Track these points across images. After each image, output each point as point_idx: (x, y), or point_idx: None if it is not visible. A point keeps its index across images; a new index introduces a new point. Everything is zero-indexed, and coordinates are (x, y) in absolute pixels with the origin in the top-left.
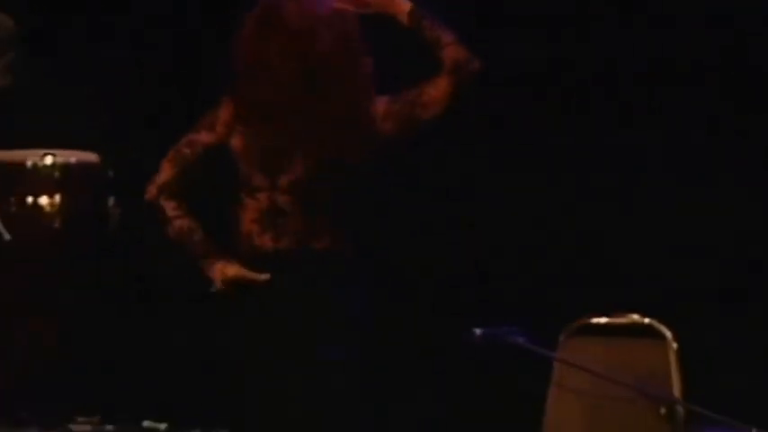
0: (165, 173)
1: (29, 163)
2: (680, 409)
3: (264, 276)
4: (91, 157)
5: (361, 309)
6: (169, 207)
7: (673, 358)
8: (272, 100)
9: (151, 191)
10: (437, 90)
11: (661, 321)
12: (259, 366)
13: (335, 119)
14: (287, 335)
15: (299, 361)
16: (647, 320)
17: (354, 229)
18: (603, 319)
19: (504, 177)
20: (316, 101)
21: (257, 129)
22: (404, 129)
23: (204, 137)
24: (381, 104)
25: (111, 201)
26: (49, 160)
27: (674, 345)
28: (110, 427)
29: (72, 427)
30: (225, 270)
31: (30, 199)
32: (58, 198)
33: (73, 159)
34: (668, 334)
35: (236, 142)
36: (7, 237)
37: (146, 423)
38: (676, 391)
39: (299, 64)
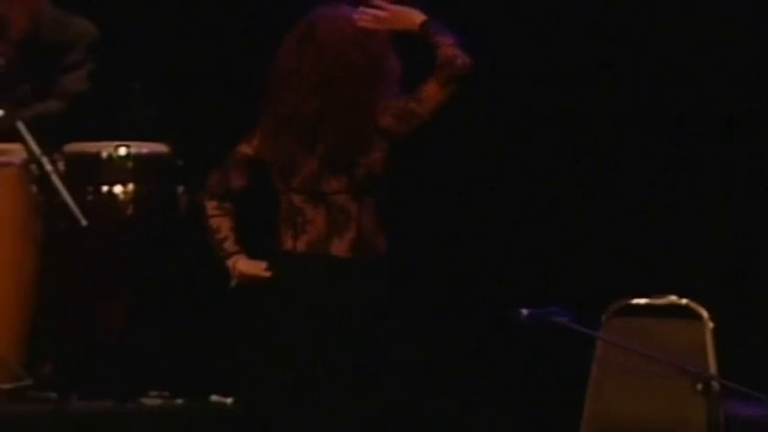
0: (212, 177)
1: (104, 154)
2: (715, 385)
3: (266, 274)
4: (161, 148)
5: (381, 309)
6: (209, 206)
7: (708, 337)
8: (294, 107)
9: (204, 193)
10: (430, 86)
11: (698, 302)
12: (275, 360)
13: (351, 129)
14: (294, 335)
15: (305, 363)
16: (684, 301)
17: (386, 224)
18: (643, 300)
19: (547, 160)
20: (333, 111)
21: (279, 134)
22: (402, 123)
23: (244, 148)
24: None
25: (180, 189)
26: (123, 151)
27: (710, 324)
28: (179, 401)
29: (144, 400)
30: (239, 267)
31: (105, 188)
32: (131, 187)
33: (145, 150)
34: (704, 314)
35: (263, 149)
36: (84, 223)
37: (213, 398)
38: (712, 367)
39: (322, 77)
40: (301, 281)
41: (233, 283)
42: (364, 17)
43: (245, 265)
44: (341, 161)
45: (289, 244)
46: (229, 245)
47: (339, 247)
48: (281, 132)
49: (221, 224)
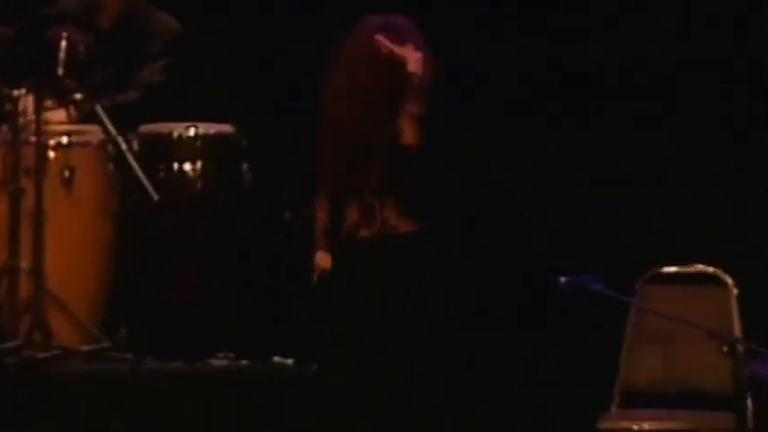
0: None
1: (175, 134)
2: (740, 348)
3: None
4: (227, 128)
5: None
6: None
7: (734, 303)
8: (343, 116)
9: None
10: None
11: (724, 270)
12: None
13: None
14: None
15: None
16: (711, 270)
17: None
18: (673, 269)
19: (581, 133)
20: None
21: (333, 138)
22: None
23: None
24: None
25: (245, 166)
26: (192, 132)
27: (735, 291)
28: (244, 362)
29: (212, 361)
30: (318, 260)
31: (175, 165)
32: (199, 164)
33: (212, 130)
34: (730, 281)
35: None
36: (156, 197)
37: (275, 359)
38: (737, 331)
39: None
40: (338, 264)
41: (315, 276)
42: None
43: (322, 259)
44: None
45: (362, 234)
46: (321, 238)
47: (365, 232)
48: (335, 135)
49: (316, 215)
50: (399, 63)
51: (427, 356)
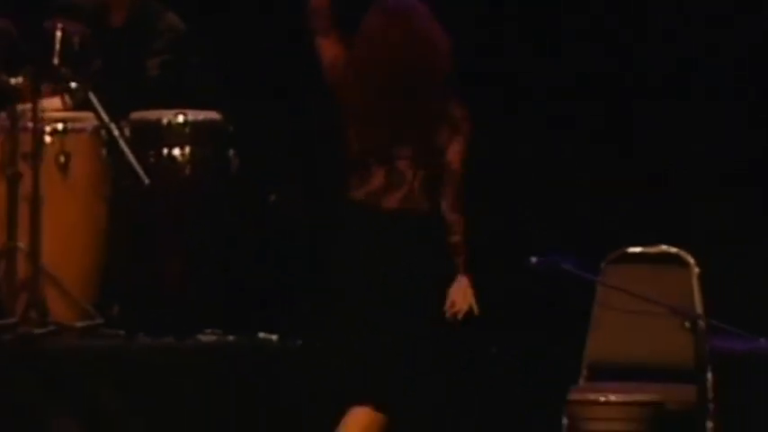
0: None
1: (164, 121)
2: (701, 324)
3: None
4: (215, 115)
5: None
6: None
7: (695, 281)
8: (373, 104)
9: None
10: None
11: (686, 250)
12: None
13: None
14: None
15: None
16: (674, 250)
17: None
18: (638, 249)
19: (550, 117)
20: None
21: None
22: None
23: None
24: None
25: (231, 152)
26: (181, 118)
27: (696, 269)
28: (231, 337)
29: (200, 337)
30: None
31: (165, 151)
32: (188, 150)
33: (200, 117)
34: (691, 261)
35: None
36: (147, 181)
37: (261, 334)
38: (698, 308)
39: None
40: (356, 229)
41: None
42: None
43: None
44: (409, 137)
45: (352, 193)
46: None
47: (390, 201)
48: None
49: None
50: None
51: (429, 342)
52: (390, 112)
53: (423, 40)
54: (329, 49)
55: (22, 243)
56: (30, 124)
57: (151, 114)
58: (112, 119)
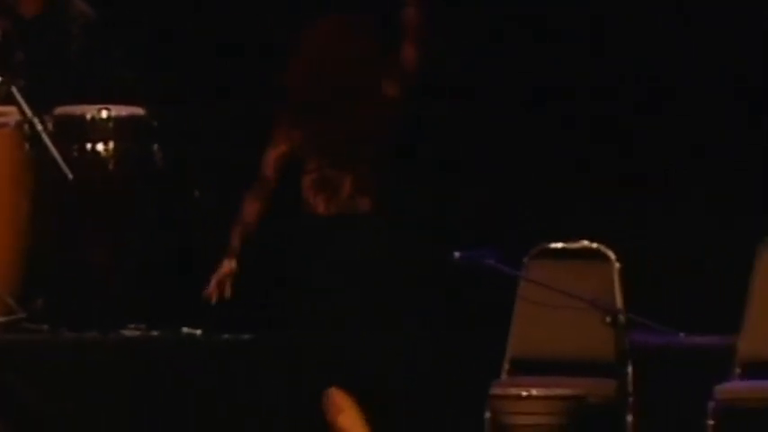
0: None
1: (88, 116)
2: (622, 318)
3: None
4: (138, 110)
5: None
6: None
7: (616, 276)
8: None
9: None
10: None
11: (607, 246)
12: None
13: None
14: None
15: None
16: (595, 245)
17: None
18: (560, 245)
19: (479, 112)
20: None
21: (309, 124)
22: (403, 89)
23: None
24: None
25: (155, 146)
26: (104, 114)
27: (617, 265)
28: (154, 332)
29: (124, 332)
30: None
31: (89, 145)
32: (111, 145)
33: (124, 113)
34: (612, 256)
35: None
36: (70, 176)
37: (184, 329)
38: (618, 303)
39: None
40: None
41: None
42: None
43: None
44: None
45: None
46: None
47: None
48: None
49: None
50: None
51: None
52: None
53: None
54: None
55: None
56: None
57: (75, 109)
58: (35, 113)
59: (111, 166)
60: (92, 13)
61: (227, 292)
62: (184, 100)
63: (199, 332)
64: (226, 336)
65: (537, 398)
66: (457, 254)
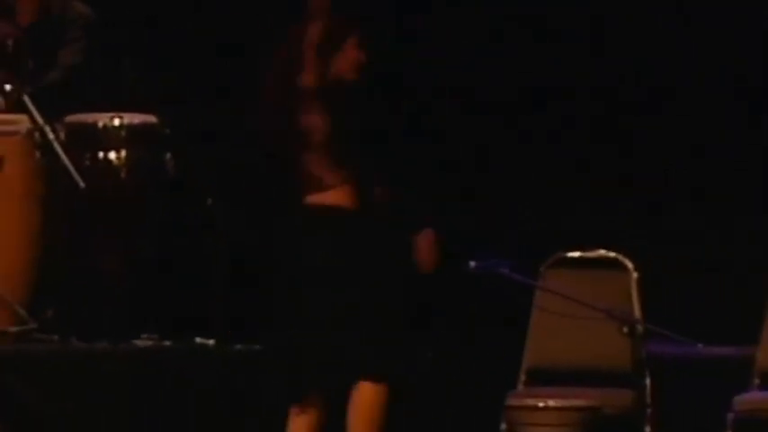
0: None
1: (100, 124)
2: (639, 328)
3: None
4: (151, 118)
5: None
6: None
7: (634, 286)
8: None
9: None
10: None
11: (625, 255)
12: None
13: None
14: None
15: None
16: (612, 254)
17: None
18: (577, 254)
19: (494, 121)
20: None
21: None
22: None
23: None
24: None
25: (168, 155)
26: (116, 121)
27: (635, 274)
28: (167, 342)
29: (136, 342)
30: None
31: (101, 154)
32: (123, 153)
33: (136, 120)
34: (630, 265)
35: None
36: (82, 184)
37: (197, 339)
38: (636, 312)
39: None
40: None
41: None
42: None
43: None
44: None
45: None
46: None
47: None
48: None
49: None
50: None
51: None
52: None
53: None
54: None
55: None
56: None
57: (87, 117)
58: (47, 121)
59: (123, 175)
60: (91, 14)
61: None
62: (184, 100)
63: (212, 342)
64: (239, 346)
65: (553, 409)
66: (472, 263)
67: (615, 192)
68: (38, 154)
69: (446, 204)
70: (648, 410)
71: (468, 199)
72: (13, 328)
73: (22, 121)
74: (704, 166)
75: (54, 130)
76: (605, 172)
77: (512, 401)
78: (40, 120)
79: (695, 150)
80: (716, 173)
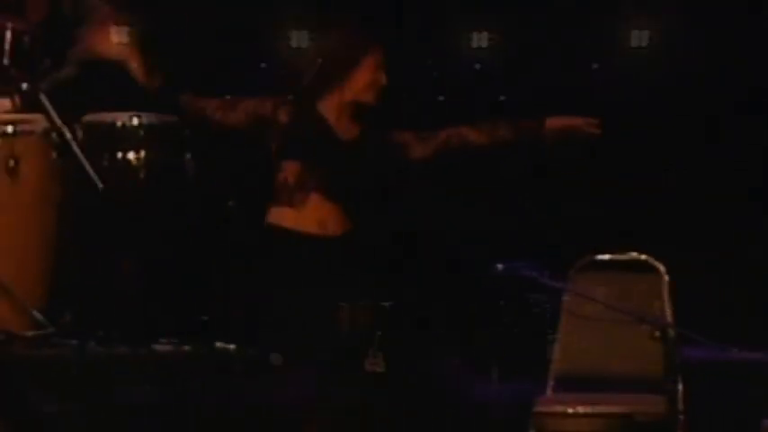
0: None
1: (119, 123)
2: (671, 332)
3: None
4: (170, 118)
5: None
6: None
7: (665, 289)
8: None
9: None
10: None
11: (655, 258)
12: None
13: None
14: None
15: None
16: (643, 257)
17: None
18: (607, 257)
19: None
20: None
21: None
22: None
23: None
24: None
25: (188, 155)
26: (135, 121)
27: (666, 277)
28: (187, 347)
29: (155, 346)
30: None
31: (119, 154)
32: (142, 153)
33: (155, 120)
34: (661, 268)
35: None
36: (100, 185)
37: (217, 344)
38: (668, 316)
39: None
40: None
41: None
42: None
43: None
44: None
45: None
46: None
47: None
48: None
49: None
50: None
51: None
52: None
53: None
54: None
55: None
56: None
57: (105, 116)
58: (65, 121)
59: (141, 176)
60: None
61: None
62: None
63: (232, 347)
64: (256, 350)
65: (583, 415)
66: (500, 266)
67: (647, 194)
68: (54, 154)
69: (475, 207)
70: (681, 417)
71: (500, 201)
72: (31, 333)
73: (38, 121)
74: (743, 169)
75: (71, 130)
76: (637, 174)
77: (540, 407)
78: (57, 119)
79: (734, 155)
80: (757, 177)
